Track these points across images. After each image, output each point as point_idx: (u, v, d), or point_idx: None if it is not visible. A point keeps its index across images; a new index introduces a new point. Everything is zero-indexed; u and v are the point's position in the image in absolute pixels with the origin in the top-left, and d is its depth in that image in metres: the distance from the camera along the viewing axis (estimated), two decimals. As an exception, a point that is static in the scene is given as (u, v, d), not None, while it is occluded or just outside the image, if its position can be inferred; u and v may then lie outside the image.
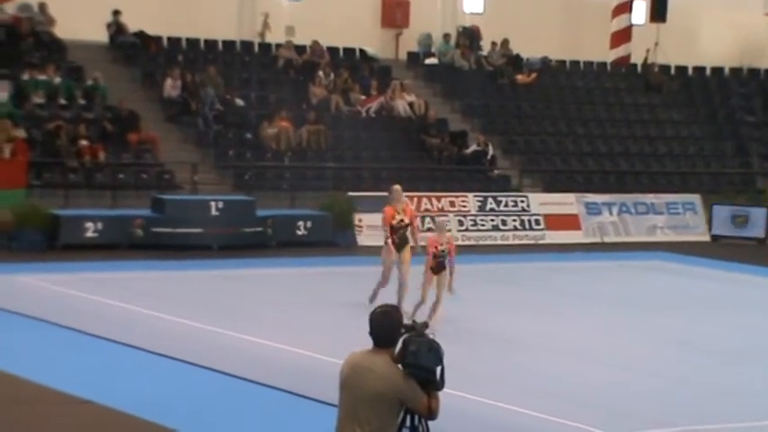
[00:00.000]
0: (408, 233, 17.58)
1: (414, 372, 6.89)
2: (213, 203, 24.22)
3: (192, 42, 30.85)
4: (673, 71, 35.72)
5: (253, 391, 13.29)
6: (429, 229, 22.43)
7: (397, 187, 18.19)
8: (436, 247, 16.49)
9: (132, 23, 29.70)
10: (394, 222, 17.46)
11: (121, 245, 23.18)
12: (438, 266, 16.50)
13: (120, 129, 26.57)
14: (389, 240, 17.33)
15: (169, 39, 30.59)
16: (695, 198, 29.84)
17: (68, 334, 15.78)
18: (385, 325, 6.97)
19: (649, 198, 29.45)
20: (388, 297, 15.75)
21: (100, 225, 23.36)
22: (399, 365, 6.95)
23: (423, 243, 17.28)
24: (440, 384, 6.96)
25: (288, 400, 12.94)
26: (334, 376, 7.13)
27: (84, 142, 25.69)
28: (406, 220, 17.53)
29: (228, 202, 24.54)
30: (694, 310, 19.75)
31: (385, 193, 26.78)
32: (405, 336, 6.95)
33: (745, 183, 32.66)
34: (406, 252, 17.39)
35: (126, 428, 11.69)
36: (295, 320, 17.23)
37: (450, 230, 18.02)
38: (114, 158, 26.12)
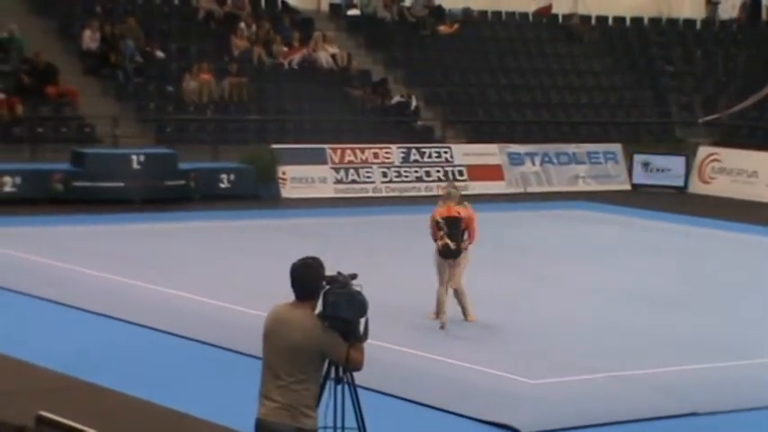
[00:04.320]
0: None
1: (332, 323, 6.90)
2: (135, 157, 24.00)
3: (111, -7, 30.38)
4: (593, 21, 35.88)
5: (177, 345, 13.24)
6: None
7: (445, 185, 16.76)
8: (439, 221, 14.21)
9: (48, -26, 29.17)
10: (439, 219, 14.62)
11: (41, 199, 22.89)
12: (445, 248, 14.18)
13: (37, 82, 26.14)
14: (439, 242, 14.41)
15: (87, -11, 30.11)
16: (616, 147, 30.11)
17: (-13, 290, 15.59)
18: (305, 277, 6.96)
19: (571, 148, 29.66)
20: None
21: (18, 179, 23.06)
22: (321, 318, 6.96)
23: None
24: (362, 336, 6.97)
25: (213, 354, 12.91)
26: (259, 329, 7.12)
27: (0, 95, 25.27)
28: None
29: (150, 156, 24.31)
30: (617, 258, 19.96)
31: (309, 145, 27.02)
32: (326, 288, 6.96)
33: (665, 132, 33.01)
34: (462, 257, 14.53)
35: (42, 382, 11.58)
36: (219, 274, 17.14)
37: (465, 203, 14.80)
38: (32, 112, 25.72)
